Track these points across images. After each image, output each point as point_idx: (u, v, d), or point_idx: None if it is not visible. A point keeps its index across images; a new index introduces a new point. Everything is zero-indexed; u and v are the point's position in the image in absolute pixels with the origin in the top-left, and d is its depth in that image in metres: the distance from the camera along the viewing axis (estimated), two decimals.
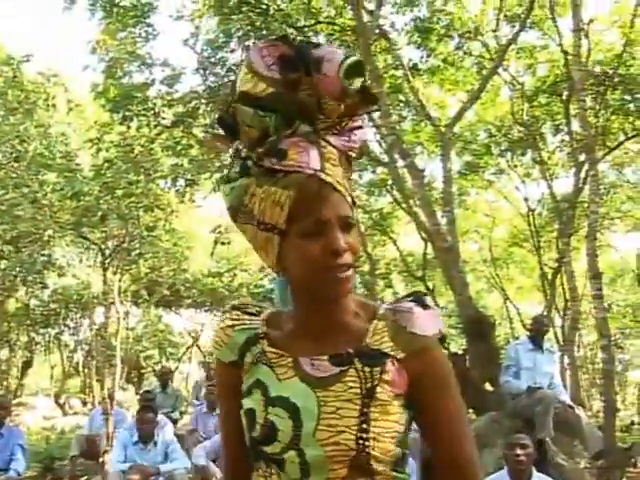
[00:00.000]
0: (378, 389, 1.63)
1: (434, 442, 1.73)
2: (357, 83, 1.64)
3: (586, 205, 13.40)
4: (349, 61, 1.61)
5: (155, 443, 8.91)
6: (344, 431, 1.60)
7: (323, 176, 1.62)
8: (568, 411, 9.10)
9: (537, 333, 9.62)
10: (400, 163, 11.75)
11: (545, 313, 15.70)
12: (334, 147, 1.67)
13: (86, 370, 28.41)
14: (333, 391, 1.64)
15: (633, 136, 16.67)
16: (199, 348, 32.43)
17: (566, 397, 9.55)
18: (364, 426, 1.60)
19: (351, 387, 1.63)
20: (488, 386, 10.67)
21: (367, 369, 1.65)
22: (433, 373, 1.70)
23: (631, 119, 16.41)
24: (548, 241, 21.78)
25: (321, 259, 1.60)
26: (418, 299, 1.73)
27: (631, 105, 15.92)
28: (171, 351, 32.74)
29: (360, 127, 1.74)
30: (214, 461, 8.99)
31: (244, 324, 1.79)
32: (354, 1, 11.83)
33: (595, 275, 9.63)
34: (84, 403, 26.07)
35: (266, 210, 1.64)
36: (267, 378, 1.71)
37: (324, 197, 1.61)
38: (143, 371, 32.33)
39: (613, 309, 27.88)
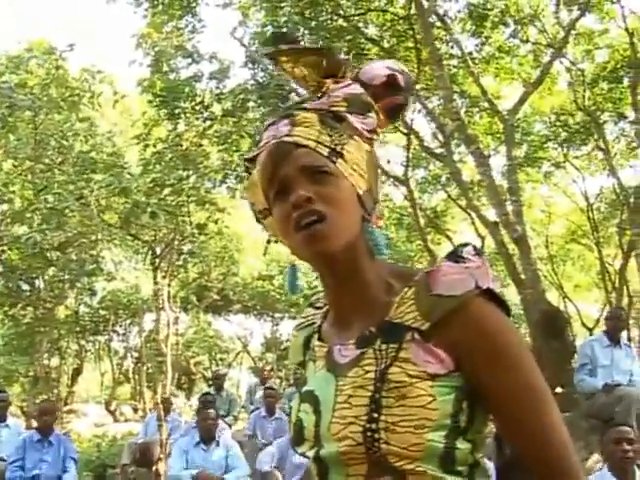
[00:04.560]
0: (392, 369, 1.36)
1: (506, 436, 1.43)
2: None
3: None
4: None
5: (217, 443, 8.64)
6: (352, 422, 1.36)
7: (286, 138, 1.47)
8: None
9: (614, 328, 8.99)
10: (457, 157, 11.30)
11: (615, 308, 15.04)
12: (311, 110, 1.51)
13: (136, 377, 28.34)
14: (350, 377, 1.41)
15: None
16: (249, 354, 32.30)
17: None
18: (374, 415, 1.33)
19: (367, 371, 1.39)
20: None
21: (384, 347, 1.39)
22: (476, 341, 1.36)
23: None
24: (607, 237, 21.26)
25: (289, 215, 1.44)
26: (453, 253, 1.44)
27: None
28: (221, 357, 32.59)
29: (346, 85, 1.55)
30: (277, 467, 8.76)
31: (307, 321, 1.68)
32: None
33: None
34: (135, 410, 26.02)
35: (254, 197, 1.58)
36: (310, 374, 1.57)
37: (283, 156, 1.46)
38: (193, 377, 32.20)
39: None
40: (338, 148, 1.47)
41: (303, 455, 1.48)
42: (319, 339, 1.57)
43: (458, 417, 1.35)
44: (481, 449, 1.41)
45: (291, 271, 1.56)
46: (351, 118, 1.50)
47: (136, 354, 28.60)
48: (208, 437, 8.59)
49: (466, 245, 1.45)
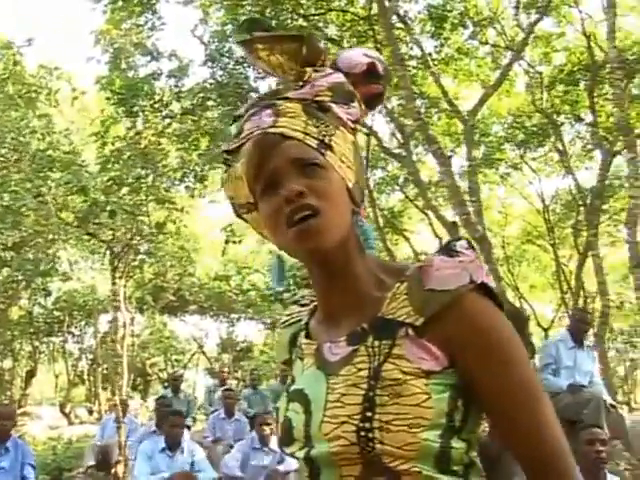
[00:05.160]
0: (386, 366, 1.31)
1: (500, 434, 1.36)
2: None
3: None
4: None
5: (182, 450, 8.41)
6: (345, 422, 1.30)
7: (271, 130, 1.41)
8: (611, 411, 8.54)
9: (579, 330, 9.02)
10: (414, 157, 11.31)
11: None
12: (294, 99, 1.45)
13: (91, 378, 28.08)
14: (342, 375, 1.35)
15: None
16: (205, 355, 32.14)
17: (607, 396, 8.98)
18: (368, 414, 1.28)
19: (360, 369, 1.34)
20: None
21: (376, 343, 1.34)
22: (470, 336, 1.32)
23: None
24: (562, 238, 21.49)
25: (279, 210, 1.37)
26: (446, 246, 1.40)
27: None
28: (177, 358, 32.39)
29: (329, 74, 1.49)
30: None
31: (293, 319, 1.61)
32: None
33: (638, 264, 9.07)
34: (90, 412, 25.74)
35: (236, 191, 1.50)
36: (297, 373, 1.51)
37: (271, 148, 1.40)
38: (149, 378, 31.98)
39: (625, 306, 27.60)
40: (326, 140, 1.41)
41: (292, 455, 1.42)
42: (307, 336, 1.52)
43: (453, 416, 1.31)
44: (475, 448, 1.38)
45: (277, 264, 1.50)
46: (336, 108, 1.45)
47: (91, 355, 28.35)
48: (174, 443, 8.36)
49: (459, 239, 1.41)
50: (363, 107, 1.51)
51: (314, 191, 1.36)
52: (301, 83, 1.48)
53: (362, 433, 1.28)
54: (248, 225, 1.58)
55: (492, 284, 1.37)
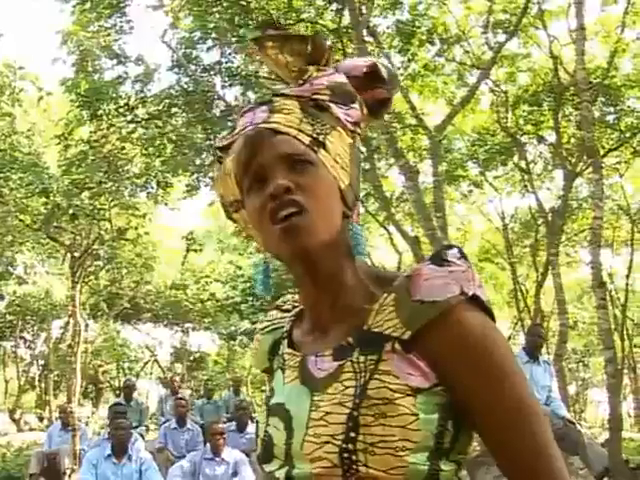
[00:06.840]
0: (372, 384, 1.24)
1: (494, 452, 1.27)
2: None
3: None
4: None
5: (129, 457, 8.23)
6: (328, 442, 1.23)
7: (264, 125, 1.36)
8: (569, 427, 8.59)
9: (533, 345, 9.09)
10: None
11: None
12: (292, 96, 1.40)
13: (42, 385, 27.71)
14: (328, 393, 1.28)
15: (613, 149, 16.48)
16: (158, 364, 31.91)
17: (565, 412, 9.03)
18: (351, 434, 1.21)
19: (347, 386, 1.26)
20: None
21: (362, 359, 1.27)
22: (460, 351, 1.24)
23: (609, 132, 16.29)
24: (520, 257, 21.69)
25: (265, 206, 1.31)
26: (436, 255, 1.31)
27: (610, 117, 15.84)
28: (129, 366, 32.13)
29: (329, 74, 1.45)
30: None
31: (273, 325, 1.54)
32: None
33: (600, 284, 9.15)
34: (40, 419, 25.38)
35: (225, 188, 1.44)
36: (277, 384, 1.42)
37: (261, 142, 1.35)
38: (101, 386, 31.64)
39: (579, 327, 27.98)
40: (320, 137, 1.36)
41: (270, 475, 1.35)
42: (290, 346, 1.45)
43: (443, 438, 1.24)
44: (464, 468, 1.32)
45: (264, 269, 1.44)
46: (334, 108, 1.39)
47: (43, 361, 28.02)
48: (120, 449, 8.20)
49: (451, 247, 1.33)
50: (366, 112, 1.45)
51: (302, 188, 1.31)
52: (301, 81, 1.44)
53: (345, 455, 1.21)
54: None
55: (484, 296, 1.30)
